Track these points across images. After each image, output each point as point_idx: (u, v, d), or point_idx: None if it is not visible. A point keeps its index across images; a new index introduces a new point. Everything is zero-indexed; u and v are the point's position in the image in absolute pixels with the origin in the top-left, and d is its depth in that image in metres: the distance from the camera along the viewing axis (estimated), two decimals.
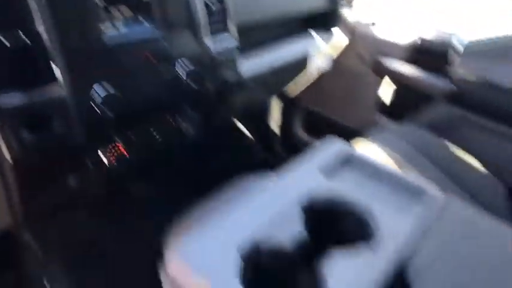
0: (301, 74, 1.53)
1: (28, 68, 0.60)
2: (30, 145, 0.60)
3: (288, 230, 0.57)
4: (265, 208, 0.60)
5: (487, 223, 0.62)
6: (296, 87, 1.69)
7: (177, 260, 0.51)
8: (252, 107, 1.51)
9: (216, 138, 1.53)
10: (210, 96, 0.93)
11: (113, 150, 0.77)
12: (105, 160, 0.76)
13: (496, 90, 1.34)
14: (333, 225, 0.64)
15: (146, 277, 1.12)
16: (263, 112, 1.85)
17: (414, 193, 0.68)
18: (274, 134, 1.89)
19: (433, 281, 0.51)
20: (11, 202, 0.78)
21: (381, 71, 1.57)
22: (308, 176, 0.68)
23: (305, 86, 1.72)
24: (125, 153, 0.78)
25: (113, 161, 0.76)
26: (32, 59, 0.60)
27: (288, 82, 1.53)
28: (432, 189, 0.66)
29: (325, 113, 1.77)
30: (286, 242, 0.55)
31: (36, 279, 1.16)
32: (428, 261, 0.53)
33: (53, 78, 0.64)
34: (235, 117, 1.44)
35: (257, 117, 1.85)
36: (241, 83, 1.02)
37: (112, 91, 0.68)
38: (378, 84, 1.61)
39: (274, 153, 1.88)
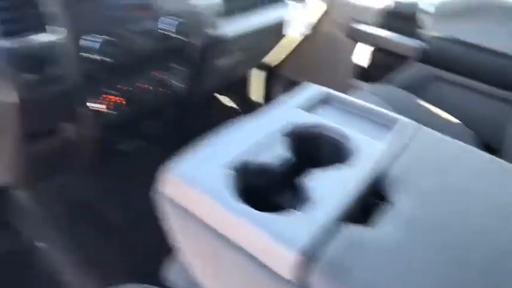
0: (279, 43, 1.58)
1: (25, 15, 0.65)
2: (29, 85, 0.64)
3: (272, 153, 0.62)
4: (250, 135, 0.65)
5: (457, 146, 0.68)
6: (275, 56, 1.73)
7: (173, 178, 0.56)
8: (234, 76, 1.55)
9: (198, 106, 1.58)
10: (195, 53, 0.98)
11: (107, 100, 0.81)
12: (102, 107, 0.80)
13: (465, 47, 1.41)
14: (313, 149, 0.70)
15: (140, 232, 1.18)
16: (244, 82, 1.89)
17: (387, 122, 0.74)
18: (256, 104, 1.94)
19: (406, 192, 0.56)
20: (12, 158, 0.82)
21: (356, 36, 1.62)
22: (288, 111, 0.73)
23: (284, 55, 1.77)
24: (121, 102, 0.82)
25: (111, 108, 0.80)
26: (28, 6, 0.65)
27: (266, 50, 1.58)
28: (404, 119, 0.72)
29: (305, 80, 1.82)
30: (270, 162, 0.60)
31: (30, 239, 1.20)
32: (401, 176, 0.59)
33: (44, 25, 0.69)
34: (218, 85, 1.48)
35: (238, 88, 1.90)
36: (223, 42, 1.06)
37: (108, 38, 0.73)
38: (353, 49, 1.67)
39: None
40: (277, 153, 0.62)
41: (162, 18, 0.89)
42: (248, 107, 1.91)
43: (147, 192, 0.98)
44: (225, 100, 1.94)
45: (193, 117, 1.60)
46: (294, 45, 1.73)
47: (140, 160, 1.12)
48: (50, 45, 0.69)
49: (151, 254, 1.10)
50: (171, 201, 0.58)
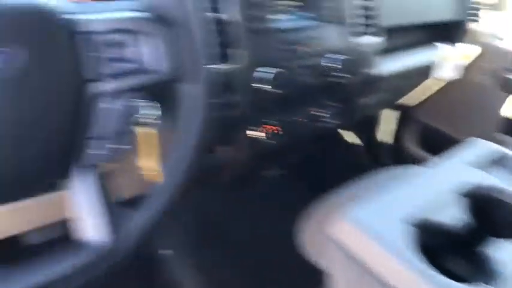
0: (422, 84, 1.52)
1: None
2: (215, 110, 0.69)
3: (450, 214, 0.58)
4: (424, 191, 0.62)
5: None
6: (412, 97, 1.67)
7: (348, 225, 0.55)
8: (370, 114, 1.53)
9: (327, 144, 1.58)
10: (351, 90, 0.98)
11: (265, 129, 0.84)
12: (261, 135, 0.83)
13: None
14: (489, 214, 0.64)
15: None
16: (372, 120, 1.85)
17: None
18: (385, 146, 1.88)
19: None
20: None
21: (509, 87, 1.50)
22: (461, 168, 0.68)
23: (422, 97, 1.70)
24: (279, 132, 0.85)
25: (269, 137, 0.83)
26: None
27: (408, 90, 1.53)
28: None
29: (442, 127, 1.73)
30: (451, 224, 0.57)
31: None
32: None
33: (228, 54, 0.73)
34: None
35: (365, 125, 1.86)
36: (377, 81, 1.05)
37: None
38: (503, 101, 1.54)
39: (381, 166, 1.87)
40: (455, 214, 0.58)
41: (326, 54, 0.90)
42: (374, 146, 1.86)
43: (281, 219, 0.99)
44: (349, 136, 1.91)
45: (322, 150, 1.60)
46: (435, 89, 1.65)
47: (275, 187, 1.14)
48: (232, 73, 0.74)
49: (274, 283, 1.10)
50: (339, 245, 0.57)
